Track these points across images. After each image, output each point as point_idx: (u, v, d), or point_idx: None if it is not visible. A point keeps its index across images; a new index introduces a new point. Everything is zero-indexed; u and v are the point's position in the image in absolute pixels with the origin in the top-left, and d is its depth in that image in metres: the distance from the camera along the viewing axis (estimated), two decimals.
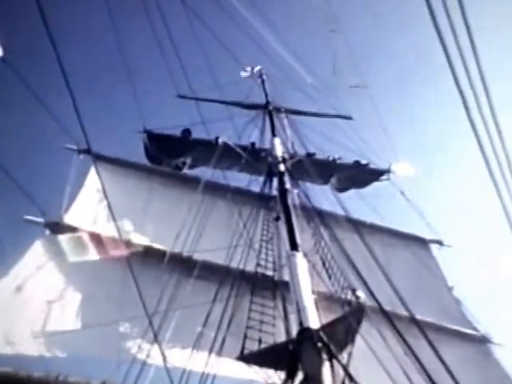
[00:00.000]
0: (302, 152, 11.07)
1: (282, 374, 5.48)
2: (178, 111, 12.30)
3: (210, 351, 5.81)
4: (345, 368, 5.29)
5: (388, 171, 11.67)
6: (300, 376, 5.21)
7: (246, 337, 5.90)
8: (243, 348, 5.76)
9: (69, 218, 8.86)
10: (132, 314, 6.89)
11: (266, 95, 13.42)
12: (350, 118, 13.15)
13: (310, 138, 11.52)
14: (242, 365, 5.84)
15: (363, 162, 11.72)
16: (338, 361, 5.34)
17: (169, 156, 11.37)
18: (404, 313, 6.26)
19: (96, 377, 5.64)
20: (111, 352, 6.71)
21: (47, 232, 8.51)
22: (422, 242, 11.58)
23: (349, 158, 11.76)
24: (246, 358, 5.76)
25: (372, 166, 11.77)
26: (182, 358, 6.38)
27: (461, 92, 3.06)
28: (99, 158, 9.87)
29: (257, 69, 14.25)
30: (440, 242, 11.46)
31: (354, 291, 6.25)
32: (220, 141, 10.82)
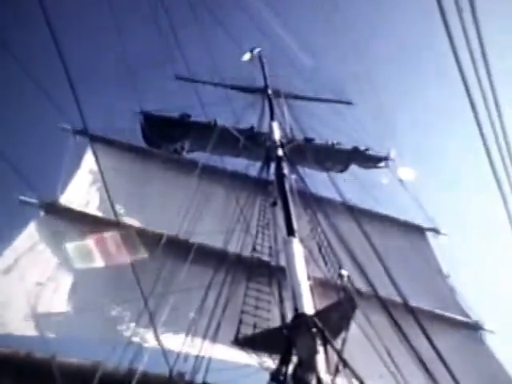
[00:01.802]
0: (300, 137, 10.98)
1: (276, 359, 5.49)
2: (176, 94, 12.16)
3: (205, 335, 5.82)
4: (339, 353, 5.31)
5: (386, 158, 11.61)
6: (294, 361, 5.23)
7: (240, 321, 5.90)
8: (238, 332, 5.77)
9: (64, 200, 8.81)
10: (127, 297, 6.89)
11: (265, 78, 13.28)
12: (349, 103, 13.05)
13: (308, 122, 11.42)
14: (236, 349, 5.86)
15: (362, 147, 11.64)
16: (333, 346, 5.35)
17: (166, 138, 11.25)
18: (399, 300, 6.27)
19: (91, 359, 5.69)
20: (105, 334, 6.72)
21: (42, 213, 8.47)
22: (419, 230, 11.60)
23: (348, 144, 11.68)
24: (241, 342, 5.77)
25: (371, 152, 11.71)
26: (177, 341, 6.40)
27: (464, 79, 3.00)
28: (95, 139, 9.76)
29: (256, 51, 14.07)
30: (436, 231, 11.48)
31: (348, 277, 6.25)
32: (218, 123, 10.73)
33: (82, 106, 3.75)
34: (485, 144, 3.53)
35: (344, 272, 5.88)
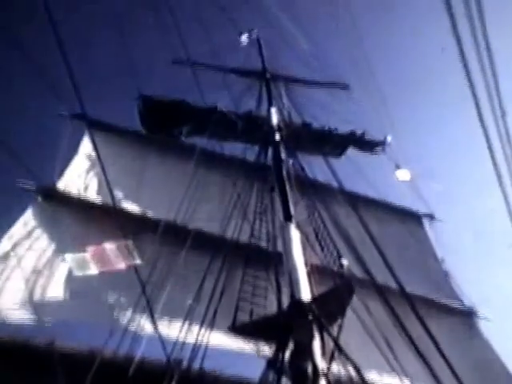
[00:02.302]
0: (298, 121, 10.91)
1: (272, 346, 5.54)
2: (174, 78, 12.04)
3: (202, 322, 5.86)
4: (335, 340, 5.36)
5: (383, 143, 11.56)
6: (291, 347, 5.28)
7: (237, 308, 5.94)
8: (235, 319, 5.81)
9: (62, 185, 8.78)
10: (125, 283, 6.94)
11: (263, 62, 13.13)
12: (346, 87, 12.93)
13: (306, 107, 11.33)
14: (233, 336, 5.91)
15: (359, 132, 11.58)
16: (329, 333, 5.40)
17: (164, 123, 11.17)
18: (395, 286, 6.31)
19: (88, 346, 5.74)
20: (102, 321, 6.76)
21: (39, 199, 8.44)
22: (415, 216, 11.63)
23: (345, 129, 11.62)
24: (238, 328, 5.82)
25: (367, 137, 11.66)
26: (174, 328, 6.45)
27: (466, 67, 2.98)
28: (93, 124, 9.70)
29: (254, 33, 13.89)
30: (432, 216, 11.51)
31: (342, 264, 6.28)
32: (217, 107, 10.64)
33: (79, 89, 3.72)
34: (483, 127, 3.51)
35: (345, 261, 5.89)
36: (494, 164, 3.76)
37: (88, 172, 9.27)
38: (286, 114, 11.10)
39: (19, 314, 6.52)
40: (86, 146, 9.70)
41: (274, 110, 10.77)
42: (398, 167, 10.75)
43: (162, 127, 10.96)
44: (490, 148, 3.69)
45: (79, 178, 9.19)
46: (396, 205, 11.58)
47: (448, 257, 10.67)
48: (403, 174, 10.58)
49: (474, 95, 3.39)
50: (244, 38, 13.45)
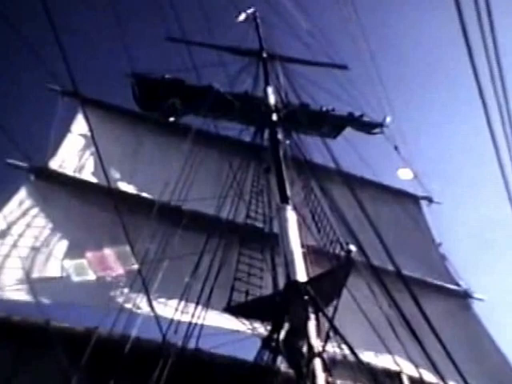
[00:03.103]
0: (295, 102, 10.79)
1: (268, 326, 5.56)
2: (168, 56, 11.82)
3: (198, 302, 5.85)
4: (330, 321, 5.37)
5: (382, 124, 11.45)
6: (286, 328, 5.29)
7: (233, 288, 5.93)
8: (230, 299, 5.81)
9: (54, 164, 8.66)
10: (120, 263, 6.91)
11: (260, 40, 12.92)
12: (345, 68, 12.76)
13: (304, 87, 11.19)
14: (228, 316, 5.91)
15: (357, 113, 11.46)
16: (324, 314, 5.41)
17: (158, 101, 10.97)
18: (391, 268, 6.31)
19: (83, 325, 5.73)
20: (98, 300, 6.73)
21: (32, 177, 8.34)
22: (412, 198, 11.60)
23: (343, 110, 11.48)
24: (233, 309, 5.82)
25: (366, 118, 11.53)
26: (169, 307, 6.44)
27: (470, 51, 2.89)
28: (86, 102, 9.51)
29: (251, 11, 13.65)
30: (430, 199, 11.49)
31: (341, 245, 6.25)
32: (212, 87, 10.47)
33: (71, 66, 3.61)
34: (485, 108, 3.44)
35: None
36: (495, 147, 3.70)
37: (81, 151, 9.15)
38: (283, 94, 10.98)
39: (15, 293, 6.50)
40: (79, 124, 9.56)
41: (270, 90, 10.64)
42: (396, 148, 10.70)
43: (156, 106, 10.78)
44: (490, 128, 3.62)
45: (72, 156, 9.07)
46: (394, 187, 11.55)
47: (445, 239, 10.70)
48: (405, 173, 10.57)
49: (477, 80, 3.31)
50: (241, 15, 13.21)
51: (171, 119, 10.51)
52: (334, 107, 11.30)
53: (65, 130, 9.42)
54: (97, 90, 10.50)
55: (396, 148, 10.76)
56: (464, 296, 9.71)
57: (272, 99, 10.26)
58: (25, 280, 6.65)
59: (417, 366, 5.66)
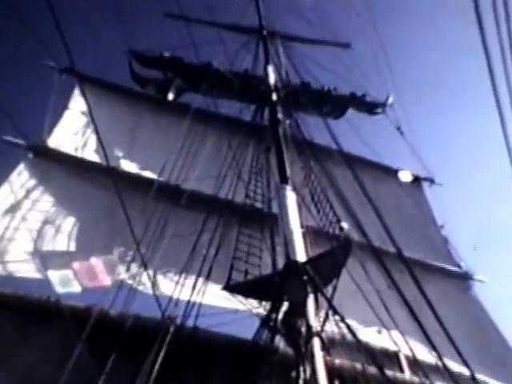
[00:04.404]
0: (296, 81, 10.63)
1: (266, 305, 5.55)
2: (167, 34, 11.60)
3: (197, 280, 5.84)
4: (329, 301, 5.36)
5: (384, 104, 11.29)
6: (285, 307, 5.28)
7: (232, 267, 5.90)
8: (229, 278, 5.79)
9: (52, 142, 8.58)
10: (119, 242, 6.88)
11: (260, 18, 12.66)
12: (348, 46, 12.56)
13: (305, 66, 11.00)
14: (227, 295, 5.90)
15: (359, 93, 11.29)
16: (323, 294, 5.40)
17: (156, 79, 10.79)
18: (391, 249, 6.29)
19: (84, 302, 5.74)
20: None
21: (30, 155, 8.27)
22: (414, 180, 11.50)
23: (345, 90, 11.32)
24: (232, 287, 5.80)
25: (368, 98, 11.37)
26: (168, 286, 6.44)
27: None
28: (83, 79, 9.37)
29: None
30: (432, 180, 11.41)
31: (341, 226, 6.21)
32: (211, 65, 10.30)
33: (68, 43, 3.53)
34: (493, 84, 3.35)
35: (345, 225, 5.83)
36: (503, 127, 3.61)
37: (79, 129, 9.05)
38: (284, 73, 10.81)
39: (18, 269, 6.52)
40: (76, 101, 9.44)
41: (271, 69, 10.46)
42: (398, 129, 10.57)
43: (154, 83, 10.60)
44: (499, 108, 3.53)
45: (70, 134, 8.97)
46: (395, 168, 11.46)
47: (447, 221, 10.65)
48: (405, 175, 10.51)
49: (488, 58, 3.21)
50: None
51: (170, 97, 10.36)
52: (335, 87, 11.11)
53: (62, 108, 9.31)
54: (94, 69, 10.33)
55: (398, 128, 10.65)
56: (465, 278, 9.72)
57: (272, 78, 10.10)
58: (26, 257, 6.68)
59: (415, 347, 5.68)
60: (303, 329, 5.02)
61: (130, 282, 6.27)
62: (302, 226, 6.20)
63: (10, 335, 5.49)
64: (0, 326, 5.50)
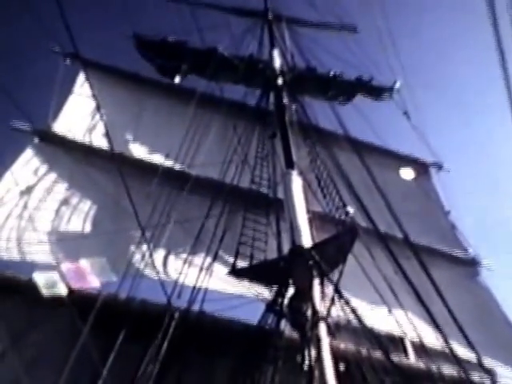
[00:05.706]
0: (302, 65, 10.50)
1: (272, 290, 5.54)
2: (171, 19, 11.45)
3: (202, 265, 5.84)
4: (335, 286, 5.35)
5: (391, 89, 11.12)
6: (290, 292, 5.28)
7: (238, 252, 5.89)
8: (235, 263, 5.78)
9: (57, 127, 8.55)
10: (125, 227, 6.88)
11: (265, 1, 12.47)
12: (354, 30, 12.35)
13: (311, 50, 10.84)
14: (233, 280, 5.90)
15: (366, 78, 11.13)
16: (329, 279, 5.39)
17: (161, 64, 10.69)
18: (398, 234, 6.25)
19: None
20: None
21: (36, 140, 8.27)
22: (421, 165, 11.39)
23: (352, 75, 11.15)
24: (238, 272, 5.80)
25: (374, 82, 11.21)
26: (174, 271, 6.44)
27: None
28: (87, 64, 9.30)
29: None
30: (440, 166, 11.28)
31: (347, 211, 6.17)
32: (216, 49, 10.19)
33: (72, 28, 3.49)
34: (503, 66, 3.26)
35: (350, 209, 5.79)
36: None
37: (84, 113, 9.00)
38: (290, 57, 10.67)
39: (11, 252, 6.55)
40: (80, 86, 9.39)
41: (276, 53, 10.32)
42: (406, 114, 10.44)
43: (158, 67, 10.50)
44: (508, 91, 3.45)
45: (75, 119, 8.94)
46: (402, 153, 11.34)
47: (454, 207, 10.54)
48: (407, 173, 10.42)
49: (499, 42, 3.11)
50: None
51: (175, 81, 10.27)
52: (342, 71, 10.96)
53: (66, 93, 9.26)
54: (99, 54, 10.25)
55: (405, 113, 10.51)
56: (472, 263, 9.65)
57: (278, 63, 9.97)
58: (30, 241, 6.70)
59: (422, 332, 5.67)
60: (309, 313, 5.01)
61: (135, 267, 6.27)
62: (308, 211, 6.16)
63: (20, 319, 5.53)
64: (12, 309, 5.54)
